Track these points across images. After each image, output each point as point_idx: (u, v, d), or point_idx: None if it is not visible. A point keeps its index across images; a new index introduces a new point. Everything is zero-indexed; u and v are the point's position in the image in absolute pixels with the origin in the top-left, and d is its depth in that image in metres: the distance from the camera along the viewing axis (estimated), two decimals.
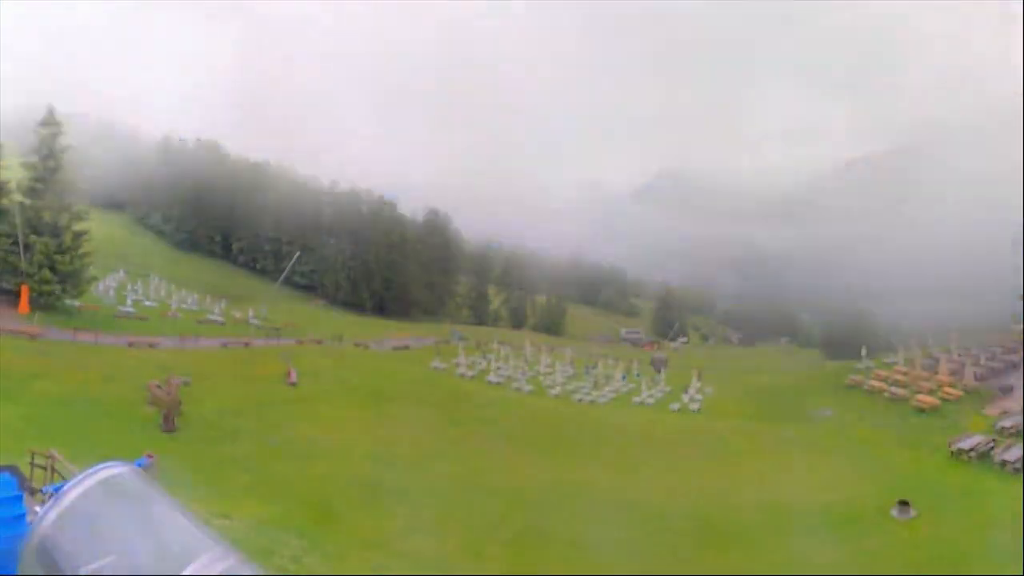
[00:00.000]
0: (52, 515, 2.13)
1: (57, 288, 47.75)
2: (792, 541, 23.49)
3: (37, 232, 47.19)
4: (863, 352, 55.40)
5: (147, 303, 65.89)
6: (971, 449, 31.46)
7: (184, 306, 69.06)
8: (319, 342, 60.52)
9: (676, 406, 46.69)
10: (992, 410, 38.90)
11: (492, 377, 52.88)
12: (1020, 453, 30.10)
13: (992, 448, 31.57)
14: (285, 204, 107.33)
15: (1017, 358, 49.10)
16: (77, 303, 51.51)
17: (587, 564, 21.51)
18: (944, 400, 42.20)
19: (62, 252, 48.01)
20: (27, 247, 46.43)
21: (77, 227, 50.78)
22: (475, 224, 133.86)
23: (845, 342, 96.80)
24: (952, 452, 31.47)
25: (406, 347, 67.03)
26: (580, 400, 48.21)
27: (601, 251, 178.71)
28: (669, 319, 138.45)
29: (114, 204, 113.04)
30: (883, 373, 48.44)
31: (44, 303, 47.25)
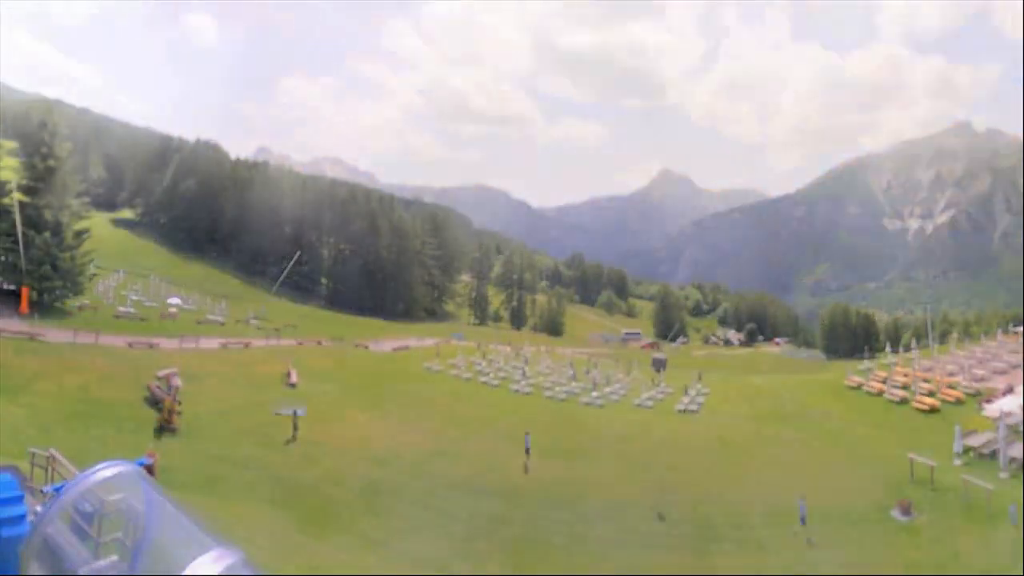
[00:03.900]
0: (52, 515, 2.12)
1: (59, 285, 47.72)
2: (792, 541, 23.50)
3: (38, 230, 47.13)
4: (864, 352, 55.43)
5: (147, 303, 65.87)
6: (982, 446, 31.53)
7: (184, 306, 69.01)
8: (319, 343, 60.50)
9: (676, 406, 46.66)
10: (992, 410, 38.91)
11: (491, 378, 52.84)
12: (1020, 452, 30.13)
13: (996, 449, 31.58)
14: (284, 203, 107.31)
15: (1017, 358, 49.11)
16: (77, 303, 51.49)
17: (586, 564, 21.51)
18: (944, 400, 42.22)
19: (63, 250, 48.01)
20: (28, 245, 46.39)
21: (77, 225, 50.76)
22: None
23: (845, 343, 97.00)
24: (963, 448, 31.49)
25: (406, 348, 67.01)
26: (580, 401, 48.17)
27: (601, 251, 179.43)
28: (669, 319, 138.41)
29: (114, 204, 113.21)
30: (883, 374, 48.42)
31: (45, 302, 47.23)
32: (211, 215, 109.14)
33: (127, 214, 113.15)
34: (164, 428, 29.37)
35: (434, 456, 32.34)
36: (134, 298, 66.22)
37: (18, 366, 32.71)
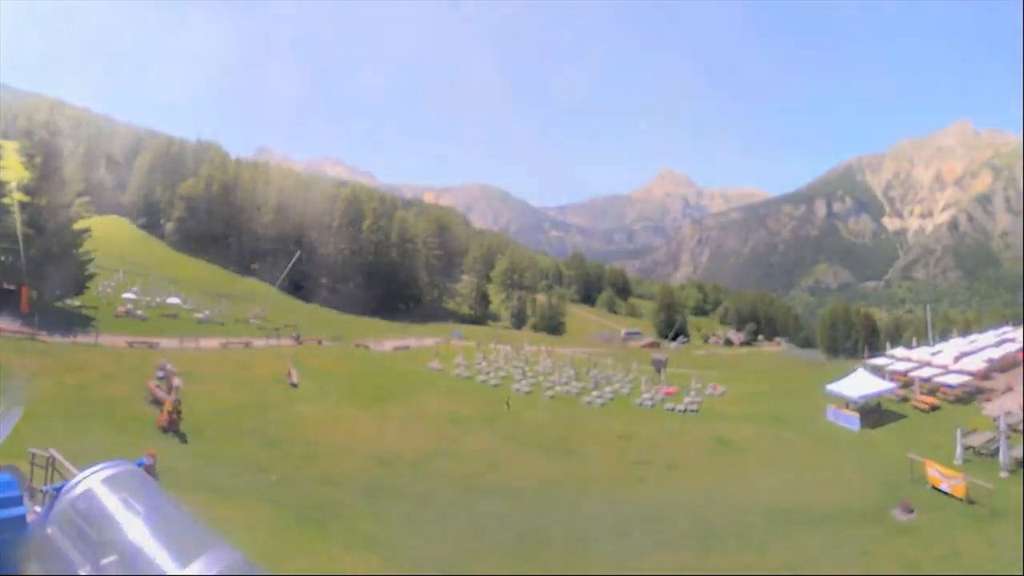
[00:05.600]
0: (52, 515, 2.12)
1: (58, 285, 47.69)
2: (793, 541, 23.49)
3: (38, 230, 47.09)
4: (864, 352, 55.39)
5: (147, 303, 65.82)
6: (982, 445, 31.48)
7: (184, 306, 69.00)
8: (319, 342, 60.52)
9: (677, 407, 46.65)
10: (992, 409, 38.89)
11: (492, 377, 52.83)
12: (1021, 451, 30.12)
13: (996, 448, 31.54)
14: (285, 203, 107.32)
15: (1017, 358, 49.11)
16: (77, 303, 51.49)
17: (586, 564, 21.50)
18: (944, 400, 42.22)
19: (63, 250, 47.98)
20: (28, 245, 46.35)
21: (77, 225, 50.74)
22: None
23: (845, 342, 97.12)
24: (963, 448, 31.46)
25: (406, 347, 67.02)
26: (580, 401, 48.17)
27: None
28: (669, 319, 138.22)
29: (114, 204, 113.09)
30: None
31: (45, 302, 47.20)
32: (211, 215, 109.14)
33: (127, 214, 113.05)
34: (165, 428, 29.37)
35: (434, 456, 32.33)
36: (133, 297, 66.20)
37: (18, 366, 32.71)
